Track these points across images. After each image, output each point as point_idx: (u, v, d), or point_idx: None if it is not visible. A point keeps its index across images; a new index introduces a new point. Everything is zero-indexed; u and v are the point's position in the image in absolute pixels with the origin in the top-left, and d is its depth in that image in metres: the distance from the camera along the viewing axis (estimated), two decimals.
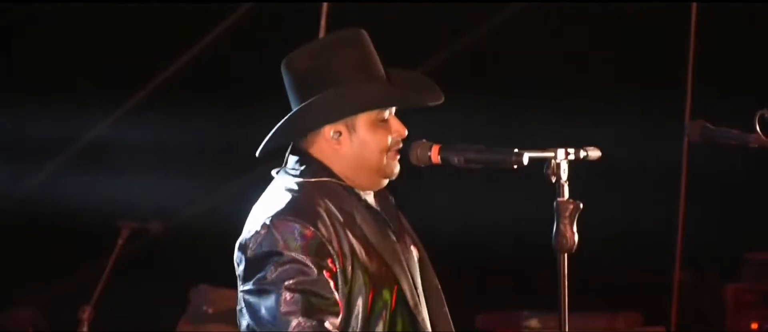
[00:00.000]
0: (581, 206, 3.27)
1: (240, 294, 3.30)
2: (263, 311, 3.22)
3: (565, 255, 3.27)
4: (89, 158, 8.10)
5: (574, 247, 3.27)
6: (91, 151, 8.06)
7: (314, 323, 3.19)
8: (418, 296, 3.41)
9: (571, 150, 3.30)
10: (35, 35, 8.37)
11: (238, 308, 3.32)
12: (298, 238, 3.25)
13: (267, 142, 3.45)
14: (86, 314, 6.61)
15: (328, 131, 3.40)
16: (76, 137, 8.07)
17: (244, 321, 3.28)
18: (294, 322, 3.19)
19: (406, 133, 3.43)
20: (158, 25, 8.06)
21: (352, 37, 3.44)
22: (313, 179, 3.38)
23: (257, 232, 3.29)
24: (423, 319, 3.38)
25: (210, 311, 7.19)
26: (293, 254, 3.24)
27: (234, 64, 8.21)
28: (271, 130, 3.46)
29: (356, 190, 3.42)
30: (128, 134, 8.20)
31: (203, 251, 8.14)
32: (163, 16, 8.07)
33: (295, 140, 3.44)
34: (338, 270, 3.28)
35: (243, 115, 8.09)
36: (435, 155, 3.39)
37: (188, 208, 8.19)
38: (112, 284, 6.80)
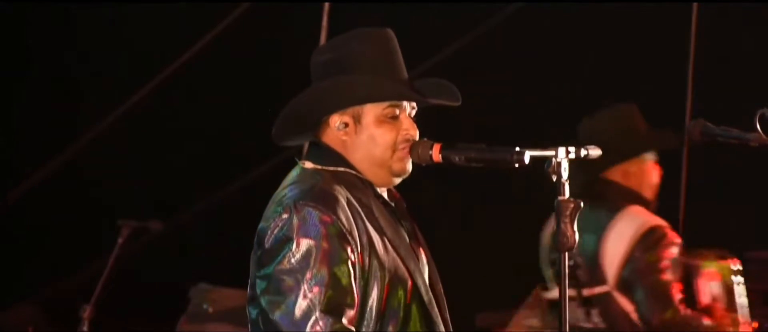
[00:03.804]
0: (582, 204, 3.28)
1: (254, 280, 3.27)
2: (278, 304, 3.19)
3: (566, 253, 3.28)
4: (89, 157, 8.10)
5: (575, 246, 3.27)
6: (91, 150, 8.06)
7: (331, 320, 3.18)
8: (430, 294, 3.40)
9: (572, 149, 3.31)
10: (36, 34, 8.37)
11: (249, 294, 3.30)
12: (318, 225, 3.23)
13: (278, 128, 3.44)
14: (87, 313, 6.62)
15: (335, 120, 3.40)
16: (77, 136, 8.06)
17: (256, 310, 3.26)
18: (311, 319, 3.17)
19: (417, 134, 3.42)
20: (158, 25, 8.06)
21: (375, 34, 3.43)
22: (331, 169, 3.38)
23: (277, 217, 3.26)
24: (436, 316, 3.37)
25: (210, 310, 7.19)
26: (312, 241, 3.21)
27: (234, 63, 8.21)
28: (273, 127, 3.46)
29: (373, 185, 3.41)
30: (129, 133, 8.19)
31: (203, 251, 8.14)
32: (163, 16, 8.06)
33: (307, 128, 3.44)
34: (356, 260, 3.26)
35: (243, 114, 8.09)
36: (436, 153, 3.40)
37: (188, 207, 8.18)
38: (112, 283, 6.80)
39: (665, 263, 5.50)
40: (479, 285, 7.74)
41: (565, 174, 3.28)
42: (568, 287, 5.63)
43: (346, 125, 3.40)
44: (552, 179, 3.29)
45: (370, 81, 3.38)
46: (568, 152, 3.30)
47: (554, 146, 3.31)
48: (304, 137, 3.48)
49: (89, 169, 8.23)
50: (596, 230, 5.57)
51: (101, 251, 7.02)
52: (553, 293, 5.82)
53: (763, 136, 3.51)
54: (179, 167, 8.33)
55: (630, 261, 5.52)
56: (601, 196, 5.63)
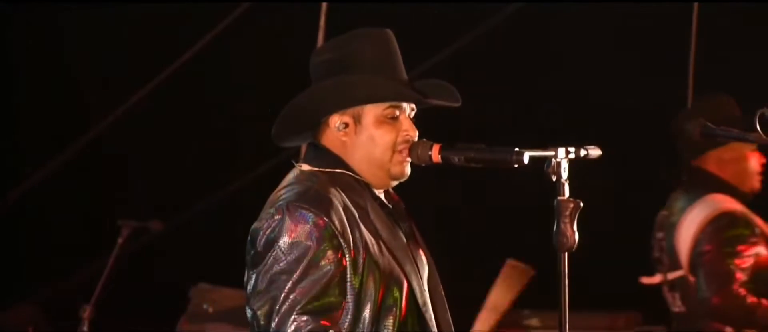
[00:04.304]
0: (581, 204, 3.27)
1: (247, 279, 3.29)
2: (265, 303, 3.21)
3: (566, 253, 3.27)
4: (90, 157, 8.09)
5: (575, 246, 3.27)
6: (92, 150, 8.06)
7: (310, 318, 3.18)
8: (426, 296, 3.40)
9: (572, 149, 3.30)
10: (37, 34, 8.37)
11: (246, 294, 3.31)
12: (311, 227, 3.23)
13: (277, 129, 3.44)
14: (86, 313, 6.61)
15: (335, 121, 3.40)
16: (77, 135, 8.06)
17: (250, 311, 3.27)
18: (291, 318, 3.18)
19: (416, 135, 3.42)
20: (158, 25, 8.06)
21: (375, 34, 3.43)
22: (327, 170, 3.38)
23: (270, 218, 3.27)
24: (430, 318, 3.37)
25: (210, 310, 7.19)
26: (303, 242, 3.22)
27: (234, 63, 8.21)
28: (272, 128, 3.45)
29: (370, 186, 3.41)
30: (129, 133, 8.19)
31: (203, 251, 8.14)
32: (163, 16, 8.06)
33: (307, 128, 3.44)
34: (349, 262, 3.26)
35: (243, 114, 8.09)
36: (436, 154, 3.39)
37: (188, 207, 8.18)
38: (112, 283, 6.80)
39: (730, 248, 5.56)
40: (479, 285, 7.74)
41: (564, 174, 3.28)
42: (658, 271, 5.84)
43: (346, 125, 3.39)
44: (552, 179, 3.28)
45: (371, 81, 3.37)
46: (567, 152, 3.29)
47: (554, 146, 3.30)
48: (304, 137, 3.47)
49: (89, 169, 8.23)
50: (677, 217, 5.75)
51: (101, 251, 7.02)
52: (653, 278, 5.93)
53: (763, 136, 3.51)
54: (179, 167, 8.33)
55: (696, 244, 5.61)
56: (692, 184, 5.78)
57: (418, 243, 3.49)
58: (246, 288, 3.29)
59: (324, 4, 6.90)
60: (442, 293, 3.47)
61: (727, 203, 5.68)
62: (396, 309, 3.32)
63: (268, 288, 3.21)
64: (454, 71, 7.58)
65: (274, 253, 3.23)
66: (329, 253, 3.23)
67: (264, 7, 7.75)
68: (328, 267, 3.22)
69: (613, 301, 7.51)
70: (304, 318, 3.18)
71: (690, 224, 5.69)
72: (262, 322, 3.21)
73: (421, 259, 3.46)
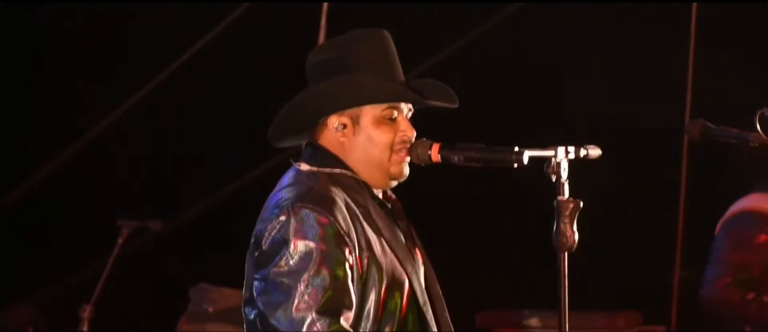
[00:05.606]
0: (581, 204, 3.27)
1: (252, 281, 3.27)
2: (276, 306, 3.18)
3: (565, 253, 3.27)
4: (90, 157, 8.09)
5: (575, 246, 3.27)
6: (91, 150, 8.06)
7: (329, 321, 3.18)
8: (426, 296, 3.40)
9: (571, 149, 3.30)
10: (37, 33, 8.37)
11: (245, 295, 3.30)
12: (316, 227, 3.22)
13: (274, 129, 3.43)
14: (86, 313, 6.62)
15: (334, 121, 3.39)
16: (77, 135, 8.06)
17: (254, 311, 3.26)
18: (308, 320, 3.17)
19: (414, 135, 3.42)
20: (158, 25, 8.06)
21: (372, 35, 3.42)
22: (327, 170, 3.37)
23: (274, 219, 3.25)
24: (430, 318, 3.37)
25: (210, 310, 7.20)
26: (310, 243, 3.21)
27: (233, 64, 8.21)
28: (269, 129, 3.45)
29: (369, 186, 3.41)
30: (129, 133, 8.19)
31: (203, 251, 8.14)
32: (163, 16, 8.06)
33: (304, 129, 3.43)
34: (354, 262, 3.26)
35: (242, 114, 8.09)
36: (435, 153, 3.39)
37: (188, 207, 8.19)
38: (112, 283, 6.80)
39: (734, 243, 5.57)
40: (479, 285, 7.74)
41: (564, 174, 3.27)
42: None
43: (345, 126, 3.39)
44: (552, 179, 3.28)
45: (369, 82, 3.37)
46: (567, 152, 3.29)
47: (554, 145, 3.30)
48: (301, 138, 3.47)
49: (89, 169, 8.23)
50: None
51: (101, 251, 7.02)
52: None
53: (763, 136, 3.51)
54: (179, 166, 8.33)
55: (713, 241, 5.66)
56: (751, 185, 5.80)
57: (415, 243, 3.49)
58: (250, 289, 3.27)
59: (324, 4, 6.91)
60: (440, 292, 3.47)
61: (748, 202, 5.69)
62: (397, 310, 3.31)
63: (279, 290, 3.19)
64: (454, 71, 7.59)
65: (282, 254, 3.21)
66: (337, 253, 3.22)
67: (264, 7, 7.75)
68: (338, 266, 3.21)
69: (613, 301, 7.52)
70: (322, 319, 3.16)
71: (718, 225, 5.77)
72: (273, 323, 3.18)
73: (418, 259, 3.46)
